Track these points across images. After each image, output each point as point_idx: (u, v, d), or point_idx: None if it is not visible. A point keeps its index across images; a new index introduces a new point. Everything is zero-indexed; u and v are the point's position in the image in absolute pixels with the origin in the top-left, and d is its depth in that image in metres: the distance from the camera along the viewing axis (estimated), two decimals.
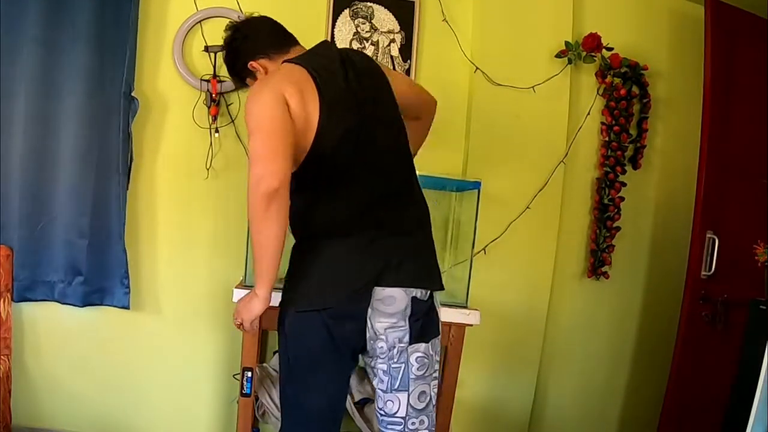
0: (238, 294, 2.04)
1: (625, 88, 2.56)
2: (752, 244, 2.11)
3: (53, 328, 2.37)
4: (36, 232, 2.26)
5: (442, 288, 1.60)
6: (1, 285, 2.19)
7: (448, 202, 2.43)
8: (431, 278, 1.56)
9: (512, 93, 2.48)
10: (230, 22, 1.72)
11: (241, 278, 2.20)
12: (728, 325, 2.39)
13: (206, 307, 2.44)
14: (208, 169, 2.40)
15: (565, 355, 2.68)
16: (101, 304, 2.33)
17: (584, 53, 2.52)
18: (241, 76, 1.69)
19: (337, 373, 1.55)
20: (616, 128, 2.57)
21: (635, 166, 2.64)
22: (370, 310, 1.47)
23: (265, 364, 2.29)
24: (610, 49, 2.54)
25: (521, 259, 2.54)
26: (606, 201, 2.60)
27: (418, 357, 1.51)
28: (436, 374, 1.57)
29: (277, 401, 2.07)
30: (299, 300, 1.49)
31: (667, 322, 2.59)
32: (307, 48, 1.64)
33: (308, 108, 1.41)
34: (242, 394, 2.03)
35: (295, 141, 1.40)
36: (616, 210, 2.61)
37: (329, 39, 2.46)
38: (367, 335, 1.50)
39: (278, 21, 1.73)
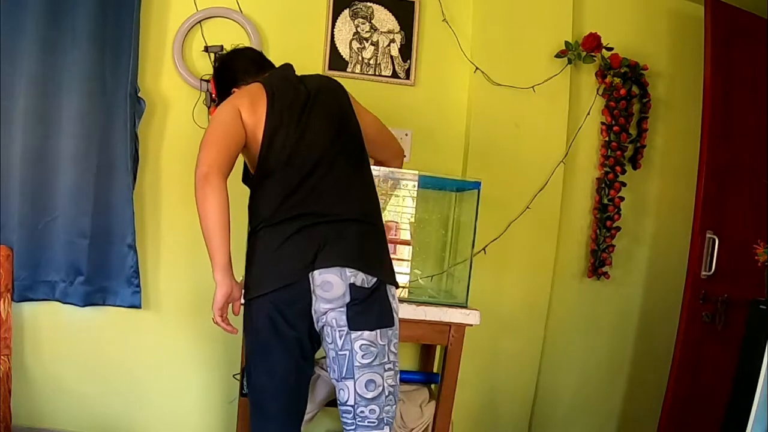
0: None
1: (625, 88, 2.56)
2: (752, 244, 2.11)
3: (54, 328, 2.37)
4: (36, 232, 2.27)
5: (391, 282, 1.62)
6: (1, 285, 2.19)
7: (448, 202, 2.43)
8: (372, 265, 1.57)
9: (512, 93, 2.48)
10: (218, 56, 2.03)
11: (242, 278, 2.20)
12: (728, 325, 2.39)
13: (206, 307, 2.41)
14: None
15: (565, 354, 2.68)
16: (104, 304, 2.33)
17: (584, 53, 2.52)
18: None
19: (284, 353, 1.59)
20: (615, 128, 2.57)
21: (635, 166, 2.64)
22: (313, 295, 1.53)
23: None
24: (610, 49, 2.54)
25: (521, 259, 2.54)
26: (606, 201, 2.60)
27: (362, 344, 1.52)
28: (392, 366, 1.57)
29: None
30: (248, 289, 1.62)
31: (667, 322, 2.59)
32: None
33: (258, 113, 1.60)
34: (242, 394, 2.03)
35: (248, 142, 1.61)
36: (615, 210, 2.61)
37: (329, 39, 2.47)
38: (313, 318, 1.56)
39: (256, 50, 2.02)
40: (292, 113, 1.63)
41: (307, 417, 2.05)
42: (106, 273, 2.31)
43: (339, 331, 1.53)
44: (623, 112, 2.57)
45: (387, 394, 1.56)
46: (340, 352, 1.54)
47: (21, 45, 2.21)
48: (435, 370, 2.39)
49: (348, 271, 1.52)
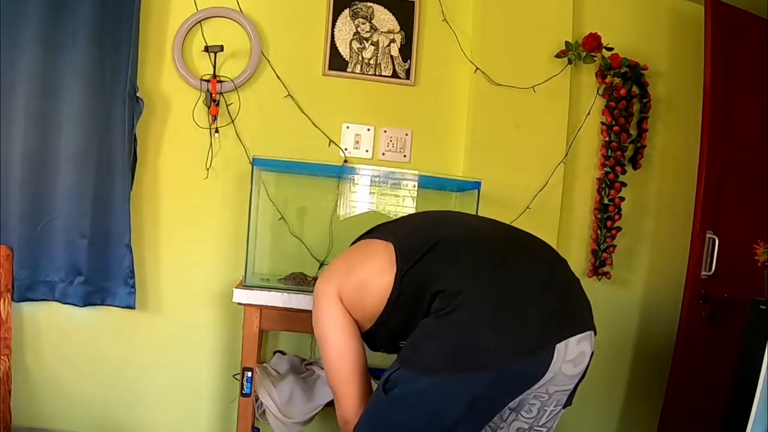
0: (238, 294, 2.05)
1: (625, 88, 2.56)
2: (752, 244, 2.11)
3: (53, 328, 2.37)
4: (36, 232, 2.26)
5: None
6: (1, 285, 2.19)
7: (448, 202, 2.43)
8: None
9: (512, 93, 2.48)
10: None
11: (241, 278, 2.20)
12: (728, 325, 2.39)
13: (206, 307, 2.44)
14: (208, 169, 2.40)
15: None
16: (102, 304, 2.33)
17: (584, 53, 2.52)
18: None
19: None
20: (616, 128, 2.57)
21: (635, 166, 2.64)
22: (551, 373, 1.21)
23: (265, 364, 2.29)
24: (610, 49, 2.54)
25: None
26: (606, 201, 2.60)
27: (560, 416, 1.34)
28: None
29: (277, 401, 2.07)
30: (447, 359, 1.20)
31: (667, 321, 2.59)
32: None
33: (371, 266, 1.37)
34: (242, 394, 2.03)
35: (368, 308, 1.36)
36: (616, 210, 2.61)
37: (329, 39, 2.46)
38: (520, 397, 1.26)
39: None
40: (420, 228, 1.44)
41: (306, 417, 2.06)
42: (104, 273, 2.31)
43: (552, 408, 1.30)
44: (623, 112, 2.57)
45: None
46: (536, 428, 1.32)
47: (21, 44, 2.21)
48: None
49: (593, 335, 1.27)
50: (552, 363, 1.20)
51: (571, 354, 1.22)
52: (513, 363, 1.19)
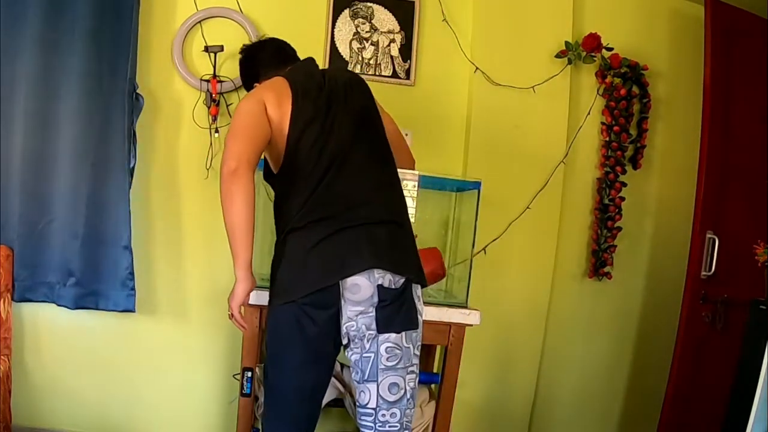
0: None
1: (625, 88, 2.56)
2: (752, 244, 2.11)
3: (53, 328, 2.37)
4: (36, 232, 2.26)
5: (419, 281, 1.59)
6: (1, 285, 2.19)
7: (448, 202, 2.43)
8: (399, 265, 1.54)
9: (512, 93, 2.48)
10: (243, 45, 1.95)
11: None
12: (728, 325, 2.39)
13: (206, 308, 2.44)
14: (208, 169, 2.40)
15: (565, 355, 2.68)
16: (96, 308, 2.28)
17: (584, 53, 2.52)
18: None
19: (307, 357, 1.56)
20: (616, 128, 2.57)
21: (635, 166, 2.64)
22: (342, 300, 1.51)
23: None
24: (610, 49, 2.54)
25: (521, 259, 2.54)
26: (606, 201, 2.60)
27: (388, 347, 1.51)
28: (414, 368, 1.56)
29: None
30: (276, 295, 1.56)
31: (667, 322, 2.59)
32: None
33: (283, 108, 1.58)
34: (242, 394, 2.03)
35: (273, 137, 1.58)
36: (616, 210, 2.61)
37: (329, 39, 2.47)
38: (341, 322, 1.53)
39: (282, 40, 1.91)
40: (318, 110, 1.59)
41: None
42: (99, 276, 2.27)
43: (367, 334, 1.51)
44: (623, 112, 2.57)
45: (408, 397, 1.55)
46: (364, 355, 1.53)
47: (20, 43, 2.21)
48: (435, 370, 2.39)
49: (376, 273, 1.50)
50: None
51: (347, 284, 1.51)
52: (308, 296, 1.54)
